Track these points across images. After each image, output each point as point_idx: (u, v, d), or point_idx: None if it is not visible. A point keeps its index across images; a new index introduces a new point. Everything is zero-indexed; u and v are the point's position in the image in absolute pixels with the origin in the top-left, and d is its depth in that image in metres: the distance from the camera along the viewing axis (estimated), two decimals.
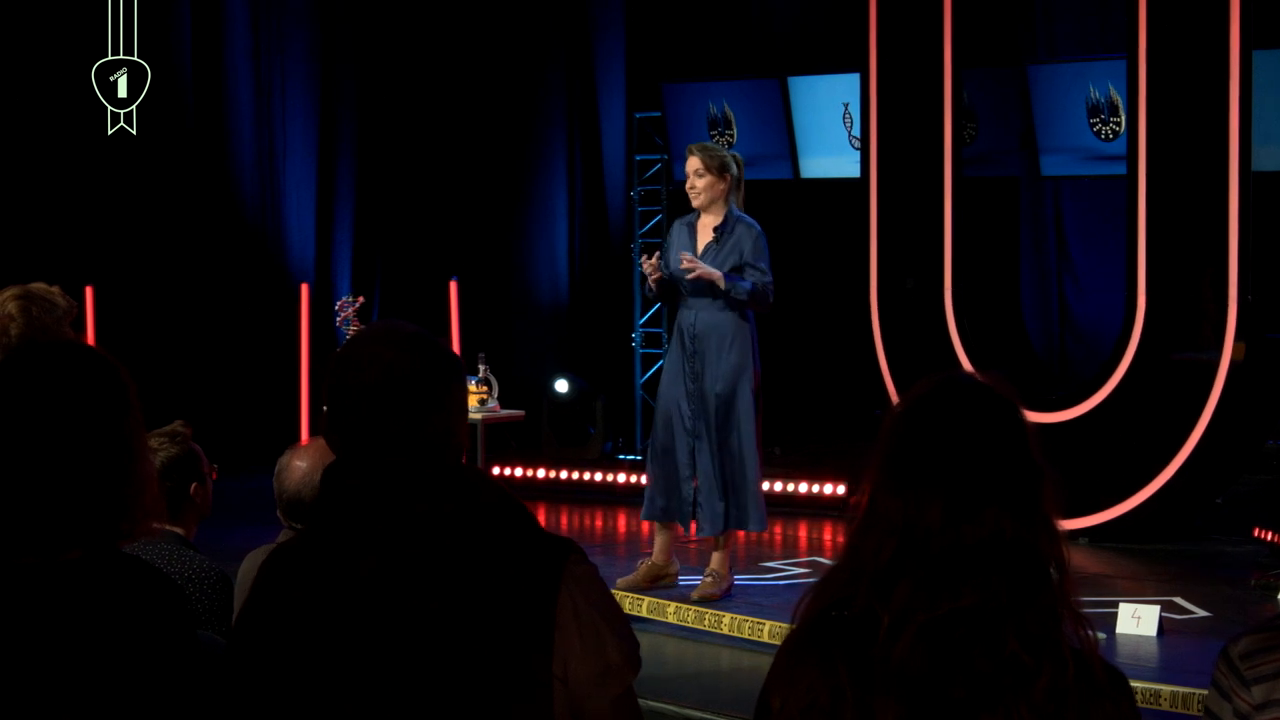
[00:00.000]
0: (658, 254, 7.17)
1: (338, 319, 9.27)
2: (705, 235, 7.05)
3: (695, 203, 7.06)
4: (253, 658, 2.23)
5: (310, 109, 11.64)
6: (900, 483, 2.04)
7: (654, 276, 7.06)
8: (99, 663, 2.35)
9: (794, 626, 2.10)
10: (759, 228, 7.02)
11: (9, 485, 2.40)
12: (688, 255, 6.93)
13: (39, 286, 3.81)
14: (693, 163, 7.05)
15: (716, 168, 6.99)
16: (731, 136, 10.66)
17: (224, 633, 3.72)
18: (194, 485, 4.05)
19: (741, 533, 7.40)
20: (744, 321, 7.00)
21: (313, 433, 10.82)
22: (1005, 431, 2.07)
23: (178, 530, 4.04)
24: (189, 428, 4.14)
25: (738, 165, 7.11)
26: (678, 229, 7.19)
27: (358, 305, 9.25)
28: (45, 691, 2.35)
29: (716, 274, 6.85)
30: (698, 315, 6.99)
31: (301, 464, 3.90)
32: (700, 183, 7.00)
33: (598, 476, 10.15)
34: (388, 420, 2.21)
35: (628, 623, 2.28)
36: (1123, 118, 9.02)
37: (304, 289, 11.04)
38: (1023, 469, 2.05)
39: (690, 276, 6.90)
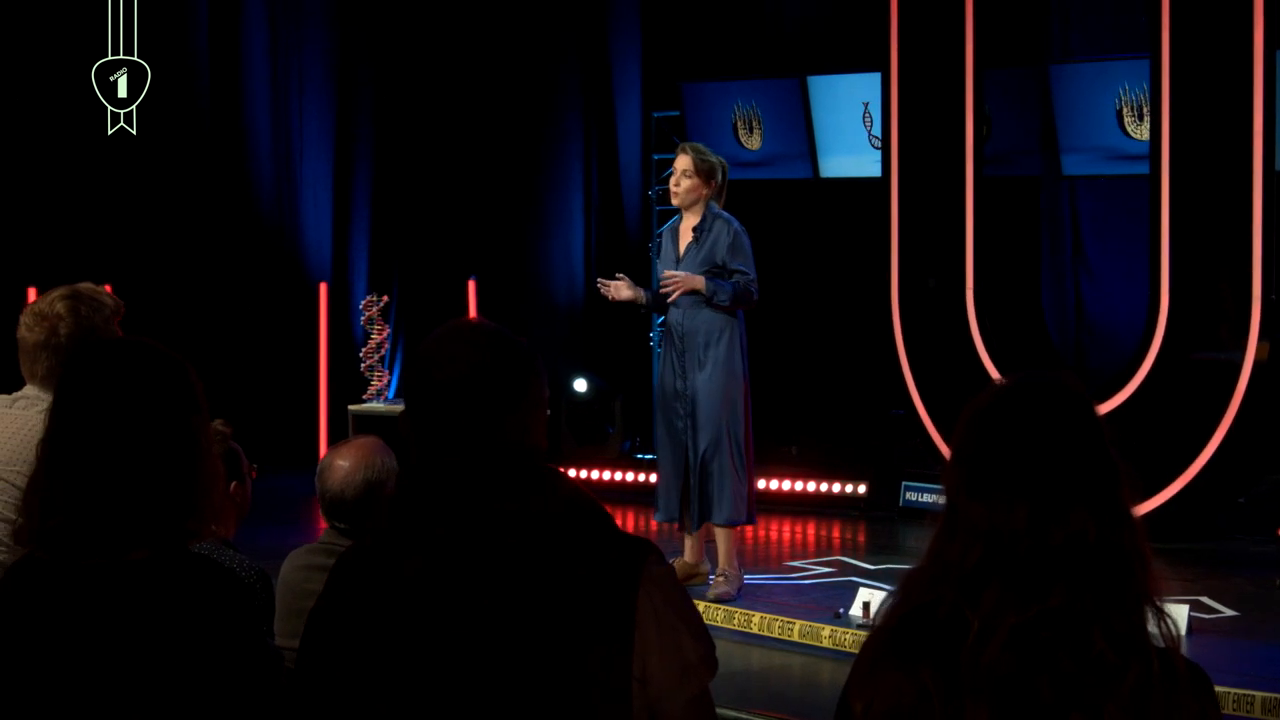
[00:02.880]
0: (618, 280, 7.18)
1: (361, 318, 9.28)
2: (686, 236, 7.12)
3: (675, 201, 7.13)
4: (327, 657, 2.22)
5: (327, 108, 11.65)
6: (984, 487, 2.03)
7: (637, 298, 7.09)
8: (168, 662, 2.35)
9: (874, 630, 2.09)
10: (738, 224, 7.06)
11: (77, 485, 2.40)
12: (667, 272, 6.99)
13: (86, 286, 3.80)
14: (683, 161, 7.08)
15: (705, 171, 7.04)
16: (759, 137, 10.64)
17: (265, 631, 3.71)
18: (234, 484, 4.04)
19: (763, 531, 7.43)
20: (732, 319, 7.05)
21: (331, 431, 10.84)
22: (1084, 430, 2.07)
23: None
24: (229, 426, 4.14)
25: (723, 172, 7.15)
26: (664, 238, 7.27)
27: (381, 304, 9.23)
28: (115, 691, 2.35)
29: (697, 281, 6.91)
30: (685, 314, 7.06)
31: (344, 463, 3.89)
32: (686, 183, 7.05)
33: (616, 475, 10.15)
34: (466, 418, 2.20)
35: (704, 624, 2.27)
36: None
37: (323, 288, 11.05)
38: (1103, 466, 2.05)
39: (671, 298, 6.96)
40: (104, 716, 2.35)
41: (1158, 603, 2.03)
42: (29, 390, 3.72)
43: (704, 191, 7.05)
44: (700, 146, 7.26)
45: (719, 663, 2.27)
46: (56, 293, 3.74)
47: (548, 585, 2.14)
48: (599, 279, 7.32)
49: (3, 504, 3.53)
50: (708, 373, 6.99)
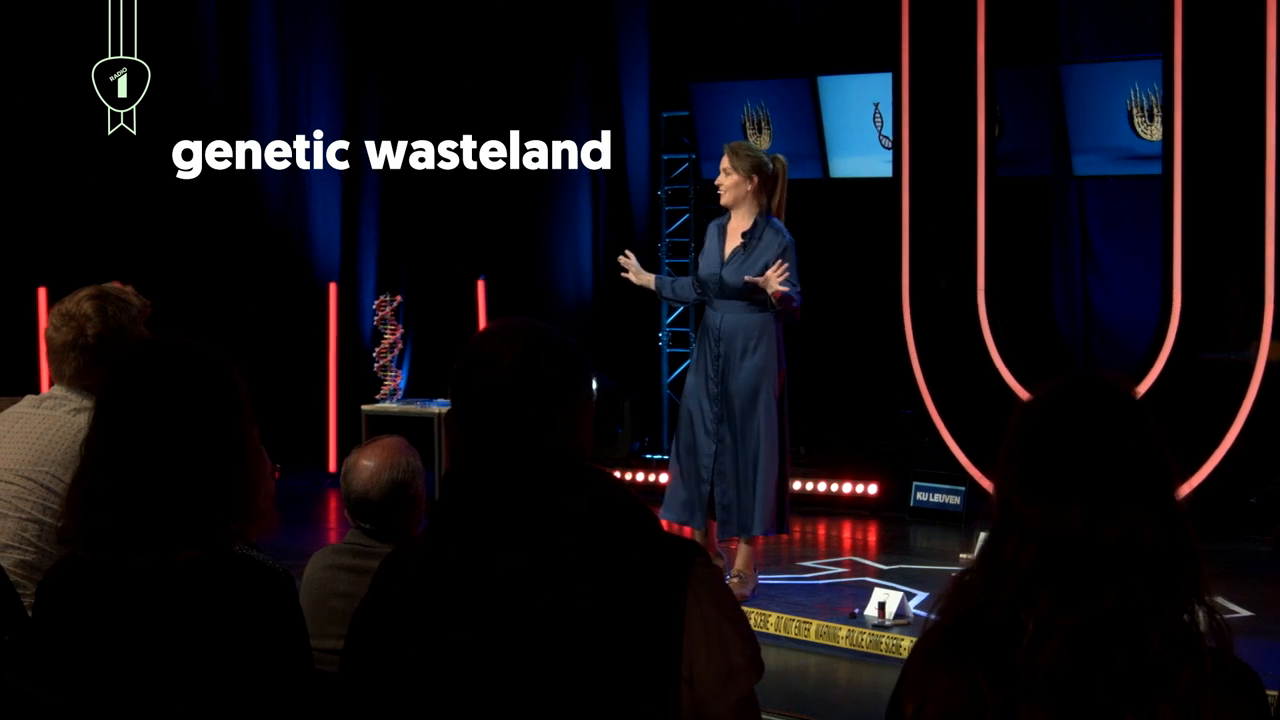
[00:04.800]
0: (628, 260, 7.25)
1: (375, 318, 9.26)
2: (733, 240, 7.01)
3: (721, 201, 7.05)
4: (375, 656, 2.22)
5: (335, 107, 11.63)
6: (1037, 490, 2.03)
7: (646, 284, 7.15)
8: (217, 661, 2.34)
9: (926, 631, 2.09)
10: (790, 237, 6.94)
11: (123, 484, 2.40)
12: (769, 273, 6.77)
13: (113, 286, 3.79)
14: (722, 161, 7.01)
15: (744, 169, 6.91)
16: (768, 137, 10.64)
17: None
18: None
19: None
20: (771, 322, 6.97)
21: (341, 431, 10.83)
22: (1137, 431, 2.07)
23: None
24: None
25: (778, 167, 7.02)
26: (711, 231, 7.15)
27: (395, 304, 9.22)
28: (165, 689, 2.34)
29: (784, 290, 6.75)
30: (724, 316, 6.97)
31: (369, 463, 3.88)
32: (726, 181, 6.97)
33: (625, 476, 10.14)
34: (513, 418, 2.20)
35: (749, 626, 2.27)
36: None
37: (332, 288, 11.05)
38: (1156, 466, 2.05)
39: (772, 289, 6.77)
40: (154, 715, 2.35)
41: (1210, 602, 2.03)
42: (56, 390, 3.72)
43: (747, 188, 6.93)
44: (740, 144, 7.13)
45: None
46: (84, 292, 3.73)
47: (596, 586, 2.14)
48: (623, 254, 7.27)
49: (31, 504, 3.53)
50: (748, 378, 6.90)
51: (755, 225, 6.94)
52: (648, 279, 7.18)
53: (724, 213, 7.12)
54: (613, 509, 2.20)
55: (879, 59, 9.61)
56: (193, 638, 2.33)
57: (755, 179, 6.93)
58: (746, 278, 6.85)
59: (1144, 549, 2.00)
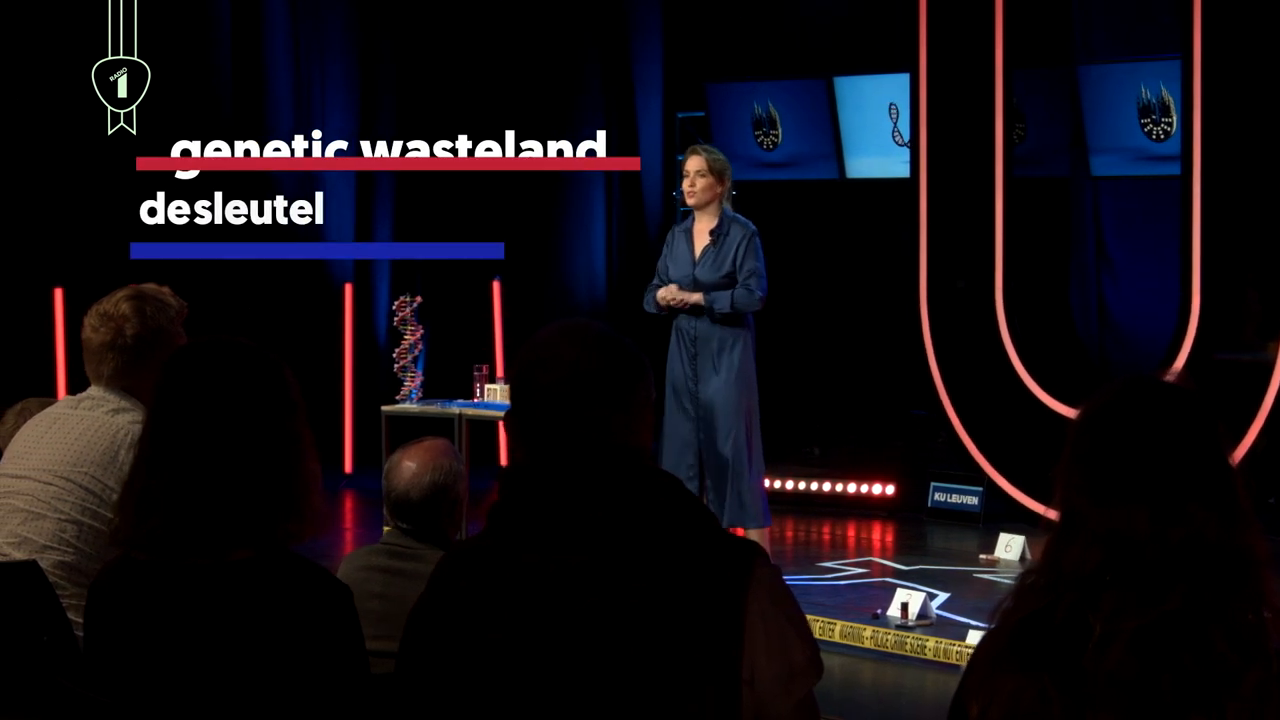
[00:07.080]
0: (676, 289, 7.18)
1: (395, 319, 9.26)
2: (702, 239, 7.18)
3: (690, 201, 7.20)
4: (434, 655, 2.21)
5: (350, 107, 11.63)
6: (1102, 492, 2.03)
7: (688, 296, 7.12)
8: (275, 662, 2.34)
9: (990, 634, 2.09)
10: (753, 227, 7.15)
11: (177, 485, 2.40)
12: (671, 293, 7.04)
13: (150, 287, 3.79)
14: (696, 162, 7.17)
15: (718, 171, 7.13)
16: (776, 136, 10.65)
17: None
18: None
19: (791, 532, 7.43)
20: (742, 327, 7.11)
21: (356, 432, 10.83)
22: (1200, 431, 2.07)
23: None
24: None
25: (729, 172, 7.28)
26: (675, 237, 7.32)
27: (415, 305, 9.21)
28: (219, 690, 2.34)
29: (694, 298, 7.02)
30: (697, 320, 7.11)
31: (411, 464, 3.89)
32: (701, 183, 7.12)
33: None
34: (573, 420, 2.20)
35: (809, 626, 2.27)
36: (1174, 118, 9.00)
37: (348, 289, 11.05)
38: (1220, 466, 2.05)
39: (674, 304, 7.03)
40: (209, 717, 2.35)
41: (1275, 602, 2.03)
42: (94, 391, 3.72)
43: (718, 190, 7.13)
44: (710, 147, 7.38)
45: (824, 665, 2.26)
46: (121, 293, 3.73)
47: (656, 587, 2.13)
48: (664, 297, 7.21)
49: (70, 505, 3.53)
50: (724, 380, 7.03)
51: (722, 222, 7.13)
52: (696, 297, 7.13)
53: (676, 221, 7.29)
54: (672, 509, 2.20)
55: (896, 59, 9.61)
56: (248, 638, 2.33)
57: (725, 181, 7.18)
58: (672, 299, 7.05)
59: (1209, 549, 1.99)
